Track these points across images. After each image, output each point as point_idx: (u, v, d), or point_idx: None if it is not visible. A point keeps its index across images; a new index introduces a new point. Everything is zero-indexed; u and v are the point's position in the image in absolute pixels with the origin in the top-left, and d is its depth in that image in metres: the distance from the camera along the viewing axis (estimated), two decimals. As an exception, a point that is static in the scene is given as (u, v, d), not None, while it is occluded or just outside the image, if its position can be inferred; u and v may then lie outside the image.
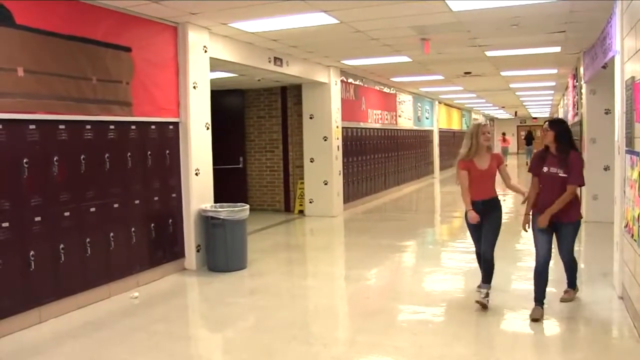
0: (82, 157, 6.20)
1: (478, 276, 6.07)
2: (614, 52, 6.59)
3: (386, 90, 17.12)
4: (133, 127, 6.93)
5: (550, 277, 5.60)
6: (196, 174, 7.81)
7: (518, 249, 9.00)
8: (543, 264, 5.45)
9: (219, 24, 7.82)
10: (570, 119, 15.53)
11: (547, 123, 5.58)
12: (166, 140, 7.50)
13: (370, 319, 5.78)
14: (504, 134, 33.48)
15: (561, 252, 5.68)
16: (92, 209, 6.33)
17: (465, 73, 14.49)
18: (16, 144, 5.44)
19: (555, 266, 6.27)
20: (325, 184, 12.69)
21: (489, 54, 11.09)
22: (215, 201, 8.25)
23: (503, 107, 32.04)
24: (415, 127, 20.46)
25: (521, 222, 5.77)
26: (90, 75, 6.30)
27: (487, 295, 5.80)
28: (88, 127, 6.29)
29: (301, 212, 13.17)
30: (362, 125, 14.87)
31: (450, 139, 26.79)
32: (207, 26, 7.91)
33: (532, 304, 5.46)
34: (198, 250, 7.84)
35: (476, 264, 6.38)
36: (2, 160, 5.29)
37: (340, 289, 7.32)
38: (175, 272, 7.66)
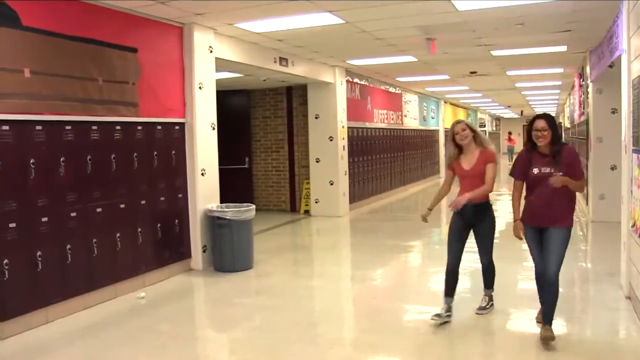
0: (88, 158, 6.21)
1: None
2: (620, 51, 6.57)
3: (392, 90, 17.10)
4: (139, 127, 6.94)
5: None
6: (202, 174, 7.82)
7: (524, 248, 8.98)
8: (542, 274, 4.97)
9: (225, 25, 7.83)
10: (576, 119, 15.49)
11: (539, 122, 4.76)
12: (172, 140, 7.51)
13: (377, 319, 5.78)
14: (510, 133, 33.46)
15: (545, 266, 4.85)
16: (99, 210, 6.34)
17: (471, 73, 14.46)
18: (23, 144, 5.46)
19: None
20: (331, 184, 12.68)
21: (494, 53, 11.06)
22: (221, 201, 8.26)
23: (509, 106, 31.98)
24: (421, 127, 20.44)
25: (513, 230, 5.07)
26: (96, 76, 6.31)
27: (487, 302, 5.71)
28: (94, 127, 6.30)
29: (307, 212, 13.17)
30: (367, 125, 14.86)
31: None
32: (213, 27, 7.92)
33: (538, 305, 5.40)
34: (204, 251, 7.85)
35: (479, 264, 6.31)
36: (9, 161, 5.30)
37: (346, 289, 7.32)
38: (181, 272, 7.67)
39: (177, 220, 7.59)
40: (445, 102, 24.48)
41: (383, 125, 16.12)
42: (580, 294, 6.67)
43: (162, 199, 7.34)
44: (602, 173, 10.55)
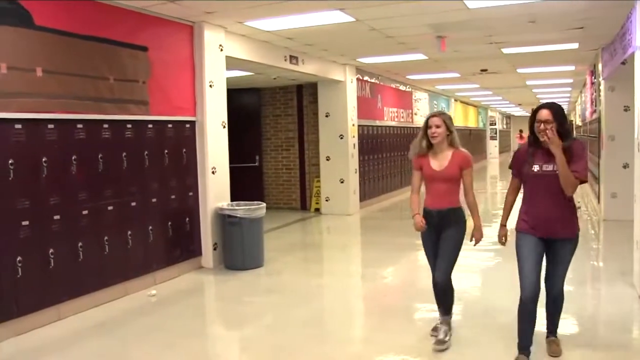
0: (99, 156, 6.24)
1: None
2: (634, 48, 6.53)
3: (402, 88, 17.06)
4: (150, 126, 6.97)
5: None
6: (213, 173, 7.83)
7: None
8: (532, 298, 4.17)
9: (235, 23, 7.84)
10: (588, 117, 15.39)
11: (543, 111, 4.09)
12: (183, 139, 7.53)
13: (387, 317, 5.77)
14: (520, 131, 33.26)
15: (549, 281, 4.38)
16: (110, 208, 6.37)
17: (482, 70, 14.41)
18: (35, 143, 5.49)
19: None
20: (342, 182, 12.68)
21: (505, 51, 11.02)
22: (232, 199, 8.27)
23: (520, 104, 31.85)
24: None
25: (498, 235, 4.53)
26: (107, 74, 6.34)
27: (446, 334, 4.84)
28: (105, 126, 6.33)
29: (317, 210, 13.17)
30: (378, 123, 14.83)
31: (466, 136, 26.64)
32: (223, 25, 7.93)
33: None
34: (215, 249, 7.87)
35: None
36: (22, 159, 5.34)
37: (356, 287, 7.32)
38: (192, 270, 7.69)
39: (187, 219, 7.61)
40: (455, 100, 24.41)
41: (393, 124, 16.09)
42: (592, 292, 6.64)
43: (173, 197, 7.36)
44: (614, 171, 10.48)
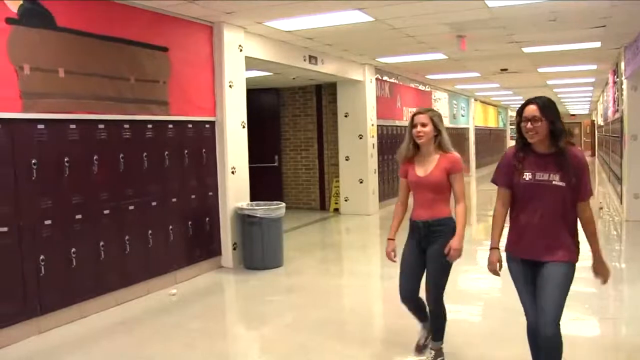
0: (120, 156, 6.28)
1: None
2: (656, 46, 6.45)
3: (421, 87, 17.01)
4: (170, 126, 7.01)
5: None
6: (232, 173, 7.86)
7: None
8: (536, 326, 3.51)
9: (255, 23, 7.86)
10: (610, 116, 15.24)
11: (529, 108, 3.42)
12: (203, 139, 7.57)
13: (406, 317, 5.74)
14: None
15: (540, 317, 3.44)
16: (131, 207, 6.42)
17: (502, 70, 14.33)
18: (58, 143, 5.55)
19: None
20: (361, 182, 12.66)
21: (525, 50, 10.94)
22: (251, 199, 8.29)
23: (540, 104, 31.54)
24: (450, 125, 20.28)
25: (487, 263, 3.74)
26: (128, 75, 6.39)
27: (438, 353, 4.40)
28: (126, 126, 6.37)
29: (336, 210, 13.17)
30: (397, 123, 14.79)
31: (486, 136, 26.53)
32: (243, 25, 7.95)
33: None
34: (234, 248, 7.89)
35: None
36: (45, 159, 5.39)
37: (376, 287, 7.31)
38: (212, 269, 7.72)
39: (207, 218, 7.65)
40: (475, 100, 24.28)
41: (413, 123, 15.99)
42: (614, 294, 6.56)
43: (193, 197, 7.39)
44: (636, 171, 10.38)
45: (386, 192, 13.91)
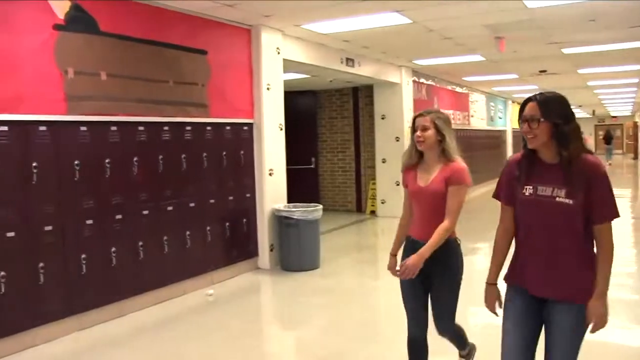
0: (160, 158, 6.38)
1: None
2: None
3: (458, 89, 16.88)
4: (208, 128, 7.09)
5: None
6: (270, 174, 7.91)
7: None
8: None
9: (292, 26, 7.91)
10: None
11: (528, 106, 2.85)
12: (240, 140, 7.64)
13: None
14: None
15: None
16: (169, 208, 6.51)
17: (541, 71, 14.13)
18: (99, 145, 5.67)
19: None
20: (397, 184, 12.58)
21: (565, 51, 10.77)
22: (288, 201, 8.34)
23: (580, 106, 31.06)
24: (488, 127, 20.09)
25: (485, 299, 3.15)
26: (167, 78, 6.49)
27: (469, 354, 4.16)
28: (165, 128, 6.47)
29: (373, 212, 13.15)
30: (434, 125, 14.68)
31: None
32: (280, 28, 8.01)
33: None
34: (271, 250, 7.94)
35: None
36: (86, 160, 5.51)
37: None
38: (248, 270, 7.78)
39: (245, 220, 7.71)
40: (513, 102, 23.99)
41: (450, 126, 15.89)
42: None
43: (231, 198, 7.46)
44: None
45: (423, 194, 13.80)
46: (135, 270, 6.06)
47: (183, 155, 6.70)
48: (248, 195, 7.77)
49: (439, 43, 9.48)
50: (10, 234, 4.91)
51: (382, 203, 12.85)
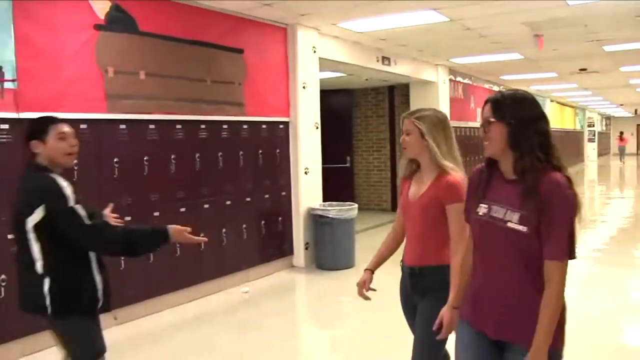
0: (196, 156, 6.44)
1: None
2: None
3: (495, 88, 16.67)
4: (245, 126, 7.13)
5: None
6: (305, 173, 7.93)
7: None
8: None
9: (328, 24, 7.91)
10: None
11: (487, 105, 2.37)
12: (276, 139, 7.67)
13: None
14: (621, 133, 31.93)
15: None
16: (206, 206, 6.57)
17: (581, 70, 13.89)
18: (138, 143, 5.75)
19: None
20: (432, 184, 12.51)
21: (607, 49, 10.56)
22: (323, 200, 8.34)
23: (621, 104, 30.48)
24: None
25: (446, 324, 2.69)
26: (205, 76, 6.54)
27: None
28: (202, 126, 6.53)
29: (407, 212, 13.04)
30: (470, 124, 14.56)
31: (562, 138, 25.75)
32: (316, 27, 8.01)
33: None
34: (306, 248, 7.96)
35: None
36: (126, 158, 5.60)
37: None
38: (283, 269, 7.81)
39: (280, 218, 7.74)
40: (551, 101, 23.63)
41: (487, 125, 15.73)
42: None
43: (266, 196, 7.50)
44: None
45: (459, 194, 13.68)
46: (172, 266, 6.13)
47: (220, 154, 6.75)
48: (284, 193, 7.80)
49: (476, 41, 9.39)
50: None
51: (418, 202, 12.73)
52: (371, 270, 3.48)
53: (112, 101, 5.47)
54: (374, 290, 3.42)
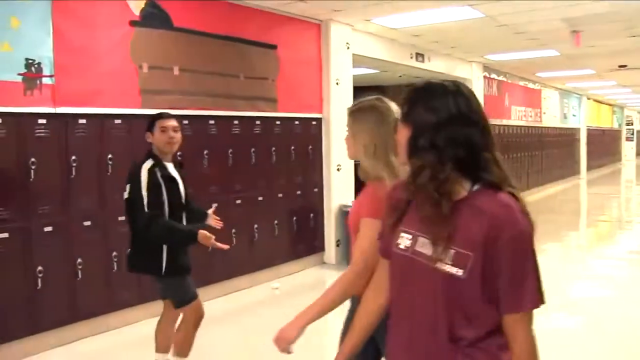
0: (229, 151, 6.46)
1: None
2: None
3: (530, 86, 16.47)
4: (277, 122, 7.14)
5: None
6: (337, 170, 7.91)
7: None
8: None
9: (362, 21, 7.87)
10: None
11: (403, 108, 1.78)
12: (309, 135, 7.66)
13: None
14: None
15: None
16: (238, 201, 6.59)
17: (620, 66, 13.62)
18: (171, 138, 5.78)
19: None
20: (465, 182, 12.39)
21: (648, 45, 10.35)
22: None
23: (661, 103, 29.84)
24: (560, 125, 19.51)
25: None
26: (238, 72, 6.57)
27: None
28: (235, 122, 6.55)
29: (439, 210, 12.94)
30: (504, 122, 14.40)
31: (599, 137, 25.34)
32: (350, 23, 7.98)
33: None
34: (338, 245, 7.94)
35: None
36: (159, 153, 5.63)
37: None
38: (314, 265, 7.80)
39: (312, 214, 7.73)
40: (588, 99, 23.23)
41: (521, 123, 15.56)
42: None
43: (299, 193, 7.49)
44: None
45: (492, 192, 13.53)
46: (204, 261, 6.14)
47: (252, 150, 6.77)
48: (316, 190, 7.79)
49: (511, 38, 9.26)
50: (87, 223, 5.08)
51: (450, 200, 12.63)
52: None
53: (146, 96, 5.52)
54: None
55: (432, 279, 1.62)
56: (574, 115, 21.42)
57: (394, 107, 2.53)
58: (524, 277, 1.59)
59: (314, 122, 7.72)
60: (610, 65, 13.34)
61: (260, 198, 6.89)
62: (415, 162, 1.68)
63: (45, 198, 4.84)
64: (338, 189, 7.93)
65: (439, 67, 10.88)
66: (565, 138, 20.08)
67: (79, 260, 5.02)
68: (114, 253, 5.28)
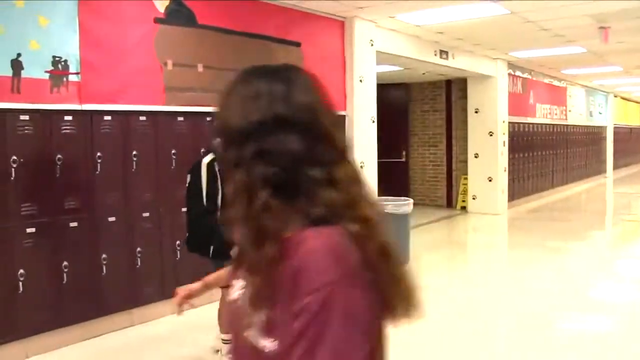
0: (253, 149, 6.47)
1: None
2: None
3: (555, 83, 16.28)
4: (301, 120, 7.12)
5: None
6: (361, 167, 7.85)
7: None
8: None
9: (386, 17, 7.84)
10: None
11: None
12: (332, 133, 7.63)
13: (528, 328, 5.53)
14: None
15: None
16: (262, 199, 6.59)
17: (648, 64, 13.45)
18: (195, 134, 5.81)
19: None
20: (490, 180, 12.31)
21: (678, 42, 10.17)
22: (378, 194, 8.28)
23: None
24: (586, 123, 19.27)
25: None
26: (262, 70, 6.57)
27: None
28: (259, 119, 6.55)
29: (463, 208, 12.88)
30: (529, 120, 14.27)
31: (626, 135, 25.00)
32: (374, 20, 7.96)
33: None
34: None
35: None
36: (183, 150, 5.67)
37: (500, 289, 7.07)
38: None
39: (334, 212, 7.71)
40: (615, 96, 22.92)
41: (546, 121, 15.40)
42: None
43: (321, 190, 7.48)
44: None
45: (516, 191, 13.45)
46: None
47: (275, 147, 6.77)
48: (338, 187, 7.76)
49: (537, 34, 9.16)
50: (112, 219, 5.13)
51: (473, 199, 12.57)
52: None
53: (170, 93, 5.55)
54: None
55: (243, 350, 1.17)
56: (600, 113, 21.14)
57: None
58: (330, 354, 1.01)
59: (337, 120, 7.70)
60: (638, 62, 13.15)
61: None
62: (227, 186, 1.18)
63: (71, 194, 4.90)
64: (361, 186, 7.89)
65: (463, 64, 10.80)
66: (591, 136, 19.83)
67: (104, 255, 5.07)
68: (138, 249, 5.33)
